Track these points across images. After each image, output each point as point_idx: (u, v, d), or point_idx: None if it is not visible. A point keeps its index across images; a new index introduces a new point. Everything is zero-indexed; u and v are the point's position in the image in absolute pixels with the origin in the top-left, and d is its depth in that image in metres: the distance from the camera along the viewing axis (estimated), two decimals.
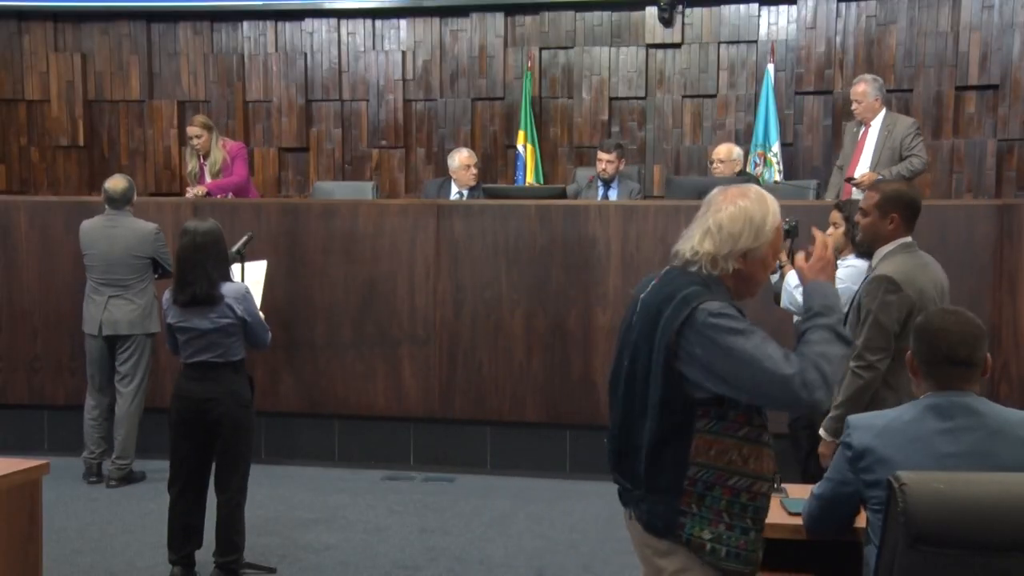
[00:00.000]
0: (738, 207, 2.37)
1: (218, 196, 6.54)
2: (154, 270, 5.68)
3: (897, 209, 3.52)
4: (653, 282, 2.43)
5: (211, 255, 4.13)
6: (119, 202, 5.65)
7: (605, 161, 6.77)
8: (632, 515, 2.42)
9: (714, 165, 6.78)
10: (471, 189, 6.86)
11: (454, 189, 6.92)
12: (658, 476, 2.32)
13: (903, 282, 3.43)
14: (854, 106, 6.35)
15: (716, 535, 2.27)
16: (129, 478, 5.67)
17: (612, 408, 2.48)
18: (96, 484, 5.63)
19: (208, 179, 6.72)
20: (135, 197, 5.76)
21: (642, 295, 2.43)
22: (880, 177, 5.94)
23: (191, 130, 6.76)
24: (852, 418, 2.54)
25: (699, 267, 2.36)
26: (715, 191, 2.46)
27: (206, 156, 6.72)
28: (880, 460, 2.38)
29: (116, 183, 5.69)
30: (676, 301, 2.30)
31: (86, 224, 5.71)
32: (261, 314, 4.47)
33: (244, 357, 4.26)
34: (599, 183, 6.88)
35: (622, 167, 6.91)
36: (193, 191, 6.59)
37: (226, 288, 4.15)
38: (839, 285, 3.53)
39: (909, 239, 3.58)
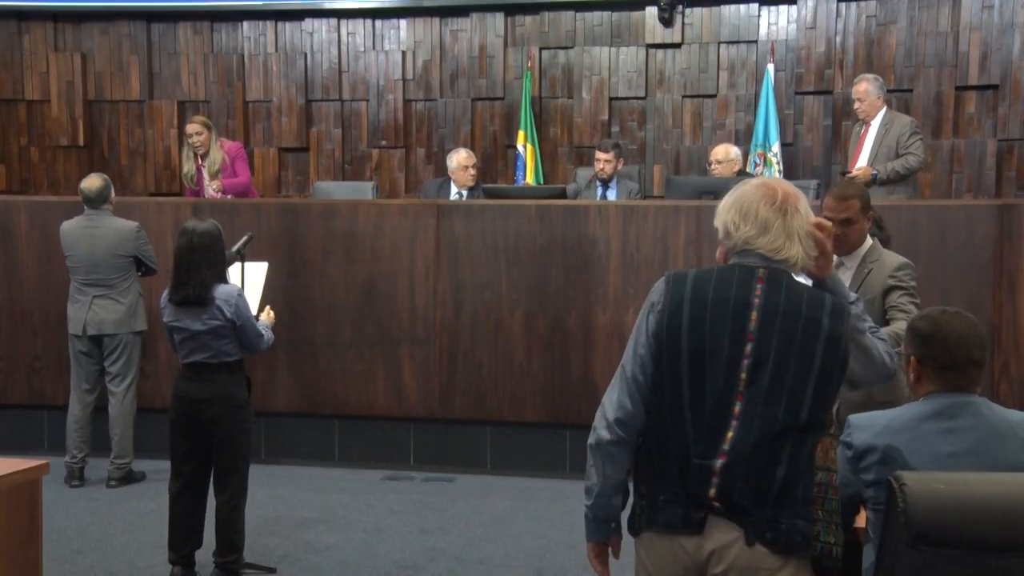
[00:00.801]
0: (807, 209, 2.34)
1: (228, 196, 6.57)
2: (137, 268, 5.68)
3: (871, 207, 3.65)
4: (758, 285, 2.23)
5: (207, 256, 4.13)
6: (96, 201, 5.63)
7: (603, 161, 6.78)
8: (749, 541, 2.19)
9: (712, 167, 6.78)
10: (470, 189, 6.87)
11: (453, 189, 6.93)
12: (795, 489, 2.20)
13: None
14: (856, 105, 6.36)
15: (836, 536, 2.27)
16: (129, 478, 5.67)
17: (716, 436, 2.20)
18: (78, 487, 5.59)
19: (207, 180, 6.72)
20: (113, 195, 5.73)
21: (755, 300, 2.21)
22: (875, 173, 5.99)
23: (191, 128, 6.73)
24: (853, 418, 2.53)
25: (794, 272, 2.30)
26: (784, 187, 2.33)
27: (204, 156, 6.71)
28: (881, 460, 2.38)
29: (92, 182, 5.66)
30: (831, 309, 2.23)
31: (66, 225, 5.69)
32: (265, 319, 4.48)
33: (240, 358, 4.25)
34: (598, 183, 6.89)
35: (620, 167, 6.91)
36: (210, 187, 6.59)
37: (218, 290, 4.15)
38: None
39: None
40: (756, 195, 2.31)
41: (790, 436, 2.19)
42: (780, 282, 2.25)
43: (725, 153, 6.66)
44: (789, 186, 2.36)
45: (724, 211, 2.34)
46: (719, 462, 2.19)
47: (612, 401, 2.31)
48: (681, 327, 2.22)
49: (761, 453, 2.19)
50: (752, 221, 2.28)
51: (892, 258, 3.63)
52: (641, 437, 2.30)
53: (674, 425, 2.23)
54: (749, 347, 2.20)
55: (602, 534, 2.42)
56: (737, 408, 2.20)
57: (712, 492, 2.20)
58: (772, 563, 2.19)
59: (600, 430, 2.31)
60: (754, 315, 2.21)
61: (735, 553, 2.19)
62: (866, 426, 2.46)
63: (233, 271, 4.63)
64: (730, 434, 2.20)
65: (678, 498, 2.23)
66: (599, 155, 6.83)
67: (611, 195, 6.82)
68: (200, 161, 6.75)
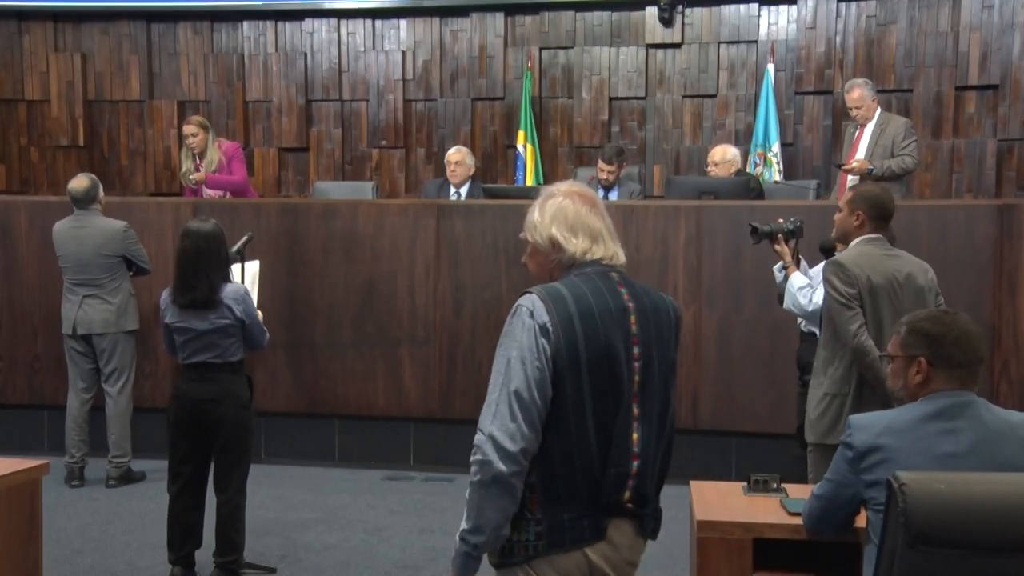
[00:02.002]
0: None
1: (215, 192, 6.57)
2: (128, 268, 5.67)
3: (862, 207, 3.76)
4: (621, 290, 2.28)
5: (213, 260, 4.12)
6: (84, 201, 5.63)
7: (607, 171, 6.73)
8: (643, 532, 2.32)
9: (709, 168, 6.75)
10: (470, 185, 6.84)
11: (452, 188, 6.92)
12: (665, 472, 2.38)
13: (849, 263, 3.68)
14: (853, 112, 6.39)
15: None
16: (128, 477, 5.67)
17: (626, 441, 2.24)
18: (78, 487, 5.59)
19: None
20: (101, 195, 5.73)
21: (629, 304, 2.26)
22: (872, 168, 6.05)
23: (187, 128, 6.70)
24: (853, 418, 2.54)
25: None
26: (591, 191, 2.40)
27: (201, 156, 6.71)
28: (882, 460, 2.38)
29: (79, 183, 5.66)
30: (673, 306, 2.39)
31: (57, 225, 5.70)
32: (260, 314, 4.48)
33: (243, 358, 4.25)
34: (600, 186, 6.86)
35: (623, 174, 6.88)
36: (194, 176, 6.59)
37: (225, 290, 4.15)
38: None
39: (876, 236, 3.77)
40: (576, 205, 2.31)
41: (663, 429, 2.33)
42: (635, 284, 2.33)
43: (722, 155, 6.60)
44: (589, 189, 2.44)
45: (546, 224, 2.31)
46: (634, 465, 2.25)
47: (508, 430, 2.15)
48: (578, 343, 2.18)
49: (658, 446, 2.31)
50: (583, 233, 2.30)
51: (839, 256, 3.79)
52: (533, 462, 2.19)
53: (579, 440, 2.20)
54: (637, 350, 2.25)
55: (476, 568, 2.26)
56: (636, 410, 2.25)
57: (627, 495, 2.25)
58: (642, 546, 2.36)
59: (497, 463, 2.13)
60: (633, 319, 2.26)
61: (627, 546, 2.29)
62: (867, 427, 2.46)
63: (233, 271, 4.63)
64: (636, 436, 2.25)
65: (584, 511, 2.22)
66: (602, 165, 6.76)
67: (613, 196, 6.80)
68: (198, 160, 6.75)
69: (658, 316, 2.31)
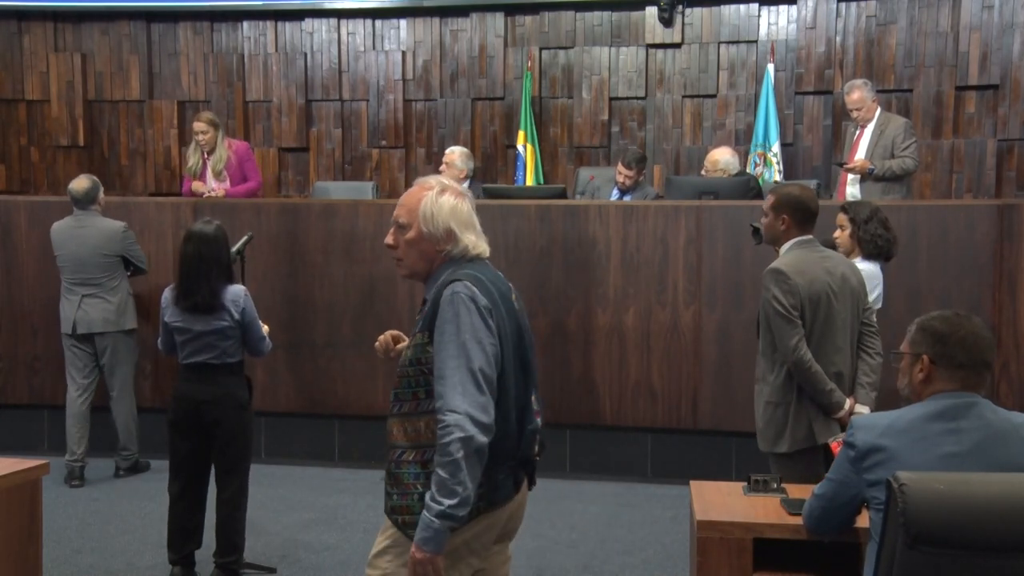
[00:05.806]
0: None
1: (218, 187, 6.59)
2: (126, 267, 5.71)
3: (787, 211, 3.70)
4: (499, 274, 2.62)
5: (215, 264, 4.12)
6: (84, 202, 5.67)
7: (625, 175, 6.71)
8: (532, 482, 2.67)
9: (704, 171, 6.72)
10: (468, 186, 6.80)
11: None
12: None
13: (791, 272, 3.60)
14: (854, 114, 6.39)
15: None
16: (136, 467, 5.81)
17: (530, 401, 2.60)
18: (78, 487, 5.60)
19: (211, 175, 6.72)
20: (101, 195, 5.77)
21: (510, 287, 2.62)
22: (872, 167, 6.05)
23: (197, 126, 6.70)
24: (855, 418, 2.54)
25: None
26: (467, 193, 2.65)
27: (210, 153, 6.71)
28: (884, 460, 2.38)
29: (80, 183, 5.70)
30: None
31: (56, 225, 5.73)
32: (266, 327, 4.45)
33: (242, 359, 4.24)
34: (615, 188, 6.82)
35: (640, 179, 6.85)
36: (209, 191, 6.59)
37: (226, 292, 4.14)
38: None
39: (807, 237, 3.72)
40: (466, 204, 2.58)
41: None
42: (497, 271, 2.62)
43: (714, 163, 6.50)
44: None
45: (442, 216, 2.53)
46: (538, 421, 2.60)
47: (480, 404, 2.34)
48: (503, 321, 2.47)
49: (539, 404, 2.62)
50: (473, 230, 2.58)
51: (774, 263, 3.68)
52: None
53: (506, 404, 2.44)
54: (525, 322, 2.59)
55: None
56: (533, 375, 2.59)
57: (537, 449, 2.60)
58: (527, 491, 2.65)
59: (478, 436, 2.31)
60: (513, 296, 2.59)
61: (523, 493, 2.61)
62: (869, 426, 2.46)
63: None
64: (534, 396, 2.58)
65: (510, 468, 2.50)
66: (621, 168, 6.72)
67: (627, 199, 6.77)
68: (205, 156, 6.75)
69: (517, 298, 2.61)
